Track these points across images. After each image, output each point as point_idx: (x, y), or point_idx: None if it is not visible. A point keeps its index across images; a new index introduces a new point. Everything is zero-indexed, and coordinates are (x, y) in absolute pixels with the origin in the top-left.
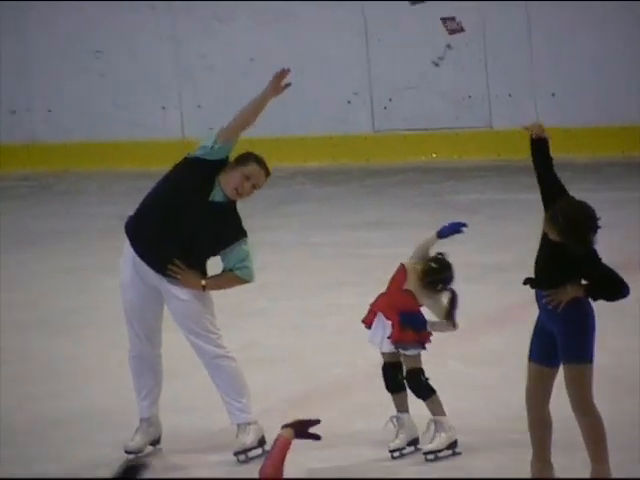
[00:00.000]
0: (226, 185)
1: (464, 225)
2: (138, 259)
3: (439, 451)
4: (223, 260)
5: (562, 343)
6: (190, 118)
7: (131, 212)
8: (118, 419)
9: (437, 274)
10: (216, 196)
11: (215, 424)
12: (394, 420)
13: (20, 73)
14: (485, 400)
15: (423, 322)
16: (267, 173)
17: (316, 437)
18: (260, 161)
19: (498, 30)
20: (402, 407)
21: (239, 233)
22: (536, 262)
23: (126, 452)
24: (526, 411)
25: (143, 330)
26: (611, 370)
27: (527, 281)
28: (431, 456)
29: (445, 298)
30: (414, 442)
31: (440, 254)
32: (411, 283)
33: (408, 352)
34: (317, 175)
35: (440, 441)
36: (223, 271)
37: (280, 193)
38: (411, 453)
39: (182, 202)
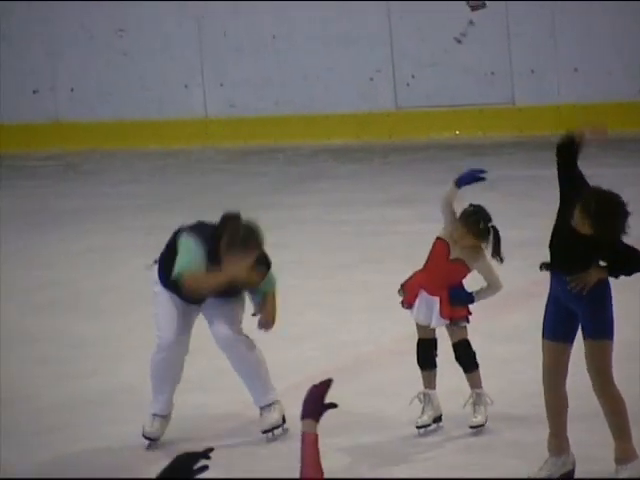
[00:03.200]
0: None
1: (483, 172)
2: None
3: (483, 425)
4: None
5: (587, 319)
6: (213, 96)
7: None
8: (147, 398)
9: (475, 214)
10: None
11: (236, 404)
12: (421, 396)
13: (43, 52)
14: (510, 376)
15: (470, 295)
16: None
17: (333, 406)
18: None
19: (520, 6)
20: (430, 384)
21: None
22: (553, 246)
23: (146, 438)
24: (543, 388)
25: (177, 333)
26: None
27: (543, 266)
28: (475, 430)
29: (488, 254)
30: (438, 419)
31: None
32: (456, 249)
33: (458, 325)
34: (340, 152)
35: (484, 415)
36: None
37: (303, 170)
38: (434, 430)
39: None
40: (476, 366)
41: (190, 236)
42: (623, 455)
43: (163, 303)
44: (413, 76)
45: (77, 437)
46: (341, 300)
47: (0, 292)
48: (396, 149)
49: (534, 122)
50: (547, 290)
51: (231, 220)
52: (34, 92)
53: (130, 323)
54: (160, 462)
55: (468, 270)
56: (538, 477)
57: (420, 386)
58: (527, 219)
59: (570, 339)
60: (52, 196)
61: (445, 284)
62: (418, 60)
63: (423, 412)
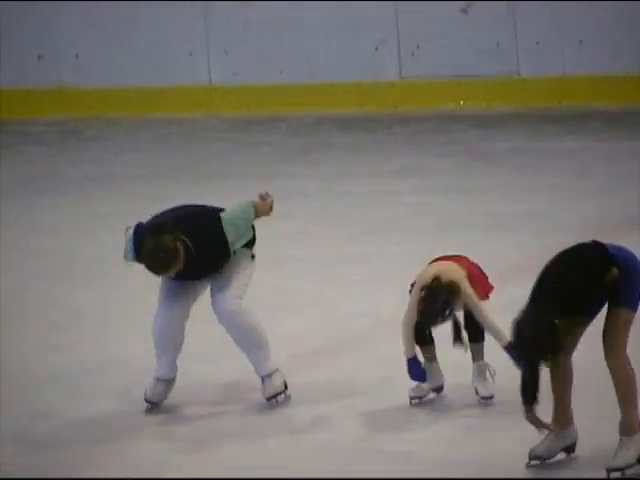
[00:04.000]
0: None
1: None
2: None
3: (492, 397)
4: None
5: (622, 285)
6: (217, 64)
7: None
8: (146, 367)
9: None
10: None
11: (234, 372)
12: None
13: (47, 18)
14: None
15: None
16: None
17: None
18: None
19: None
20: (430, 356)
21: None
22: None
23: (147, 402)
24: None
25: (178, 309)
26: None
27: None
28: (485, 401)
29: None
30: (438, 389)
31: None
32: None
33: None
34: (344, 123)
35: (492, 387)
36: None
37: (307, 141)
38: (431, 401)
39: None
40: (483, 337)
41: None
42: (628, 427)
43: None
44: (418, 46)
45: (73, 407)
46: (343, 271)
47: (3, 260)
48: (400, 120)
49: (539, 94)
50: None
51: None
52: (38, 58)
53: (129, 291)
54: (158, 426)
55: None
56: (538, 452)
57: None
58: (530, 192)
59: (594, 313)
60: (55, 163)
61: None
62: (423, 31)
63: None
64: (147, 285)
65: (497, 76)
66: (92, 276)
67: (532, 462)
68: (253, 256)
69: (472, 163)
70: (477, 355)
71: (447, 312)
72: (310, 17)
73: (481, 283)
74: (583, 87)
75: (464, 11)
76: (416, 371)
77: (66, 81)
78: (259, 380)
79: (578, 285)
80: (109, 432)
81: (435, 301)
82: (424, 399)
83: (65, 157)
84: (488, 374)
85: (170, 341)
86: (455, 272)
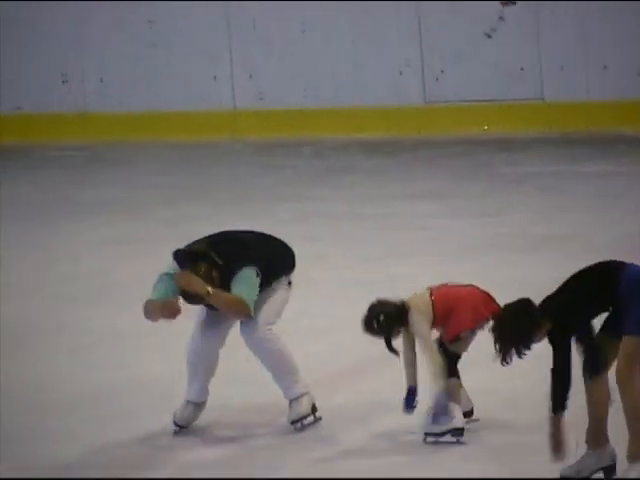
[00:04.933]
0: None
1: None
2: None
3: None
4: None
5: (628, 316)
6: (242, 88)
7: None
8: (170, 390)
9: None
10: None
11: (263, 395)
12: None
13: (73, 42)
14: (538, 370)
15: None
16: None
17: None
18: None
19: (550, 2)
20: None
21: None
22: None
23: (175, 425)
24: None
25: (213, 334)
26: None
27: None
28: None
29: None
30: (469, 414)
31: None
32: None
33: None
34: (369, 146)
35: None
36: None
37: (331, 164)
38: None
39: None
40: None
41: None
42: (637, 451)
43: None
44: (442, 71)
45: (105, 428)
46: (367, 293)
47: (27, 284)
48: (425, 144)
49: (563, 118)
50: None
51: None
52: (63, 82)
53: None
54: (186, 449)
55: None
56: (569, 472)
57: None
58: (555, 214)
59: (618, 335)
60: (80, 186)
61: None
62: (447, 55)
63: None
64: None
65: (521, 100)
66: (118, 300)
67: None
68: (290, 282)
69: (497, 186)
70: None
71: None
72: (335, 41)
73: (459, 320)
74: (607, 111)
75: (488, 35)
76: (412, 401)
77: (90, 105)
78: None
79: (576, 295)
80: (136, 455)
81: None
82: (440, 439)
83: (88, 180)
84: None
85: (203, 365)
86: (420, 299)
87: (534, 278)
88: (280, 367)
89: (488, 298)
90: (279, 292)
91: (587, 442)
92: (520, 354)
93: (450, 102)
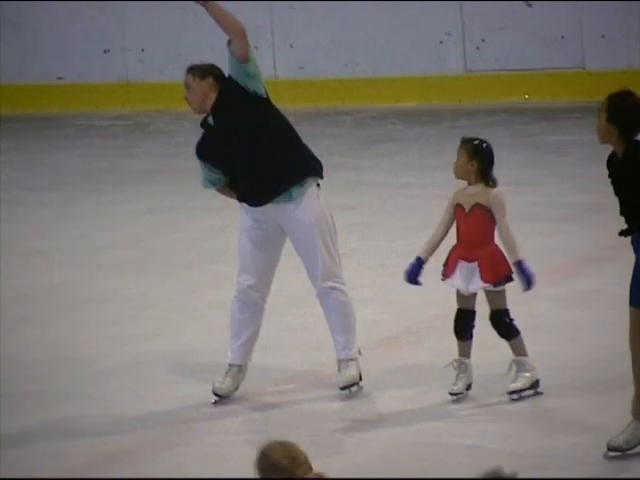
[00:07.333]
0: None
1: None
2: (250, 208)
3: (522, 390)
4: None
5: None
6: (282, 58)
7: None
8: (208, 360)
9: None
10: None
11: (303, 363)
12: (455, 364)
13: (114, 12)
14: (577, 341)
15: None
16: (201, 76)
17: None
18: (191, 68)
19: None
20: (466, 353)
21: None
22: (621, 210)
23: (215, 394)
24: (631, 354)
25: (254, 276)
26: None
27: (622, 233)
28: (515, 395)
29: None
30: (469, 387)
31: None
32: (465, 197)
33: (498, 288)
34: (408, 116)
35: (523, 381)
36: None
37: (371, 133)
38: (464, 397)
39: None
40: (515, 334)
41: None
42: None
43: (240, 238)
44: (483, 40)
45: (138, 398)
46: (406, 263)
47: (70, 253)
48: (465, 113)
49: (603, 87)
50: (618, 255)
51: None
52: (104, 52)
53: (194, 284)
54: (222, 419)
55: (489, 212)
56: (616, 442)
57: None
58: (595, 184)
59: None
60: (121, 156)
61: (479, 244)
62: (488, 23)
63: (457, 379)
64: (213, 277)
65: (562, 69)
66: (156, 268)
67: (610, 453)
68: (318, 185)
69: (536, 155)
70: (514, 350)
71: None
72: (375, 11)
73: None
74: None
75: (529, 4)
76: (416, 273)
77: (132, 75)
78: (325, 371)
79: None
80: (174, 422)
81: None
82: (460, 396)
83: (130, 150)
84: (523, 370)
85: (246, 325)
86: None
87: (575, 247)
88: (342, 323)
89: None
90: (333, 226)
91: (633, 413)
92: None
93: (490, 71)
